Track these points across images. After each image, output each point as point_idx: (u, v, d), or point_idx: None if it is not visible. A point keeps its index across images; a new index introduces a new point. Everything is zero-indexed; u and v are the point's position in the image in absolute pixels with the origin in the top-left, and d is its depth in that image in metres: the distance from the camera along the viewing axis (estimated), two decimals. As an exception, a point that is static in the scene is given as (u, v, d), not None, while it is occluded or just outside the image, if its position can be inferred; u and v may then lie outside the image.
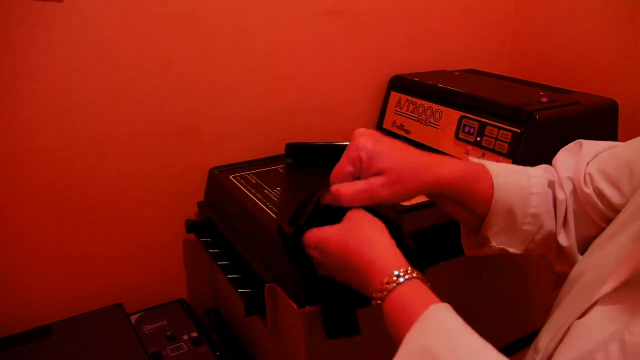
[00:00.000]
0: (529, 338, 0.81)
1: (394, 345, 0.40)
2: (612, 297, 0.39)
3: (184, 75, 0.79)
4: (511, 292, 0.78)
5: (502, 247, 0.55)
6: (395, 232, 0.48)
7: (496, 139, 0.75)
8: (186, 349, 0.73)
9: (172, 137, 0.80)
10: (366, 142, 0.49)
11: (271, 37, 0.84)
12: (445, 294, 0.70)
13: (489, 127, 0.76)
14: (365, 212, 0.49)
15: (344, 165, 0.50)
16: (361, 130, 0.51)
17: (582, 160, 0.55)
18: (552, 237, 0.55)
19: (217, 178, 0.81)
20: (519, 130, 0.72)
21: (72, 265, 0.78)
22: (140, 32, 0.73)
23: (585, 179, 0.53)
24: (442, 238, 0.65)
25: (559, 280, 0.81)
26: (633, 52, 0.91)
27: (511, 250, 0.56)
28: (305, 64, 0.90)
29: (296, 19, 0.86)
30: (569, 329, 0.41)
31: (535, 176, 0.54)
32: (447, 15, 1.04)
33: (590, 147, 0.56)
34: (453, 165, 0.52)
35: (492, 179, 0.52)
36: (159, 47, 0.75)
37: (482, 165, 0.54)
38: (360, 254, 0.44)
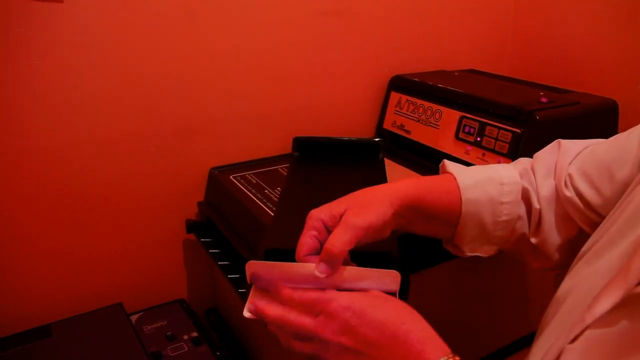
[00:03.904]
0: (529, 338, 0.81)
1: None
2: (605, 319, 0.36)
3: (183, 75, 0.79)
4: (511, 291, 0.78)
5: (474, 253, 0.56)
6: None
7: (496, 139, 0.75)
8: (186, 349, 0.73)
9: (172, 137, 0.80)
10: (317, 210, 0.48)
11: (271, 37, 0.85)
12: (445, 294, 0.70)
13: (488, 127, 0.76)
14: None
15: (305, 237, 0.46)
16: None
17: (562, 161, 0.54)
18: (526, 238, 0.55)
19: (217, 178, 0.81)
20: (518, 130, 0.72)
21: (72, 265, 0.78)
22: (140, 32, 0.73)
23: (565, 181, 0.52)
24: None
25: (559, 280, 0.81)
26: (633, 52, 0.91)
27: (483, 254, 0.56)
28: (304, 64, 0.90)
29: (296, 19, 0.86)
30: (560, 353, 0.39)
31: (508, 183, 0.54)
32: (447, 15, 1.04)
33: (569, 146, 0.55)
34: (408, 180, 0.53)
35: (459, 193, 0.52)
36: (159, 47, 0.75)
37: (450, 177, 0.54)
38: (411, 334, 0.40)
